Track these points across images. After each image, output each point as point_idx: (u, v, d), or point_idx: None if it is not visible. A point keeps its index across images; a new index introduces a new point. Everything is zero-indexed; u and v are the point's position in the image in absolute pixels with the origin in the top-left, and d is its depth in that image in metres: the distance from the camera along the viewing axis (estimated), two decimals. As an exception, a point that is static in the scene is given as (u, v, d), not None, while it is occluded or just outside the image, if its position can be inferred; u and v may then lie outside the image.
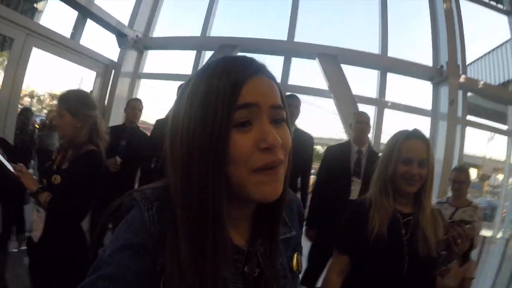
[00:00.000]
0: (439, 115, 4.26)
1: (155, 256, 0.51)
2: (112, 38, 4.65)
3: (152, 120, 3.11)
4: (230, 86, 0.51)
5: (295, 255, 0.69)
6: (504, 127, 4.68)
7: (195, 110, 0.52)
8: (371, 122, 2.82)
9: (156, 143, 2.83)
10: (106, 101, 4.62)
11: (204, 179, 0.51)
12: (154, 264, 0.51)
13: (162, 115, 3.16)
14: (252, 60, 0.57)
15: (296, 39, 4.51)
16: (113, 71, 4.67)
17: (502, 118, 4.66)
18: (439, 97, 4.33)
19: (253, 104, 0.52)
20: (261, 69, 0.56)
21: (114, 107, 4.60)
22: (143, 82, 5.10)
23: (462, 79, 4.24)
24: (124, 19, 4.71)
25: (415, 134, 1.38)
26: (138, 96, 4.90)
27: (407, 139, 1.36)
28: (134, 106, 3.17)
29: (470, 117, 4.42)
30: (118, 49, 4.72)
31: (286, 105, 0.59)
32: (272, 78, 0.57)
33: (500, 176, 5.08)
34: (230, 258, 0.56)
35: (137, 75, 4.95)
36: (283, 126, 0.56)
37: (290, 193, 0.72)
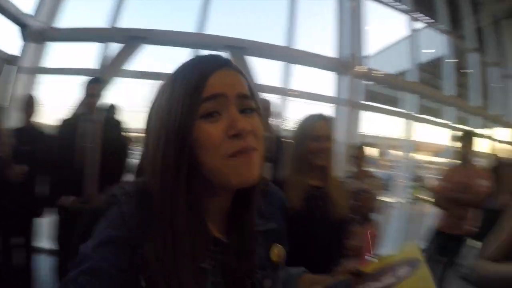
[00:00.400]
0: (341, 102, 4.63)
1: (134, 249, 0.50)
2: (12, 29, 4.23)
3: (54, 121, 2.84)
4: (195, 79, 0.54)
5: (274, 247, 0.68)
6: (398, 110, 5.26)
7: (164, 104, 0.55)
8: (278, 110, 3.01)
9: (64, 146, 2.62)
10: (5, 101, 4.21)
11: (174, 170, 0.52)
12: (134, 257, 0.50)
13: (67, 114, 2.91)
14: (217, 56, 0.59)
15: (206, 32, 4.54)
16: (13, 66, 4.27)
17: (396, 102, 5.24)
18: (342, 85, 4.71)
19: (219, 94, 0.54)
20: (226, 62, 0.58)
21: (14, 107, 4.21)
22: (47, 77, 4.68)
23: (362, 69, 4.66)
24: (26, 9, 4.27)
25: (322, 117, 1.59)
26: (40, 93, 4.52)
27: (315, 120, 1.57)
28: (29, 104, 2.91)
29: (369, 103, 4.90)
30: (19, 42, 4.29)
31: (256, 96, 0.60)
32: (238, 70, 0.59)
33: (395, 152, 5.69)
34: (209, 249, 0.57)
35: (40, 70, 4.58)
36: (253, 115, 0.57)
37: (271, 186, 0.77)
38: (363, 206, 1.71)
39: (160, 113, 0.56)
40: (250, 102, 0.57)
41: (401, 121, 5.23)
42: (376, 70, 4.99)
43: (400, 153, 5.50)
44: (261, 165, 0.58)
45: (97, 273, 0.48)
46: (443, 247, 2.98)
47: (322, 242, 1.49)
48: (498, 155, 5.33)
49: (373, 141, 5.93)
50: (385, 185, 5.60)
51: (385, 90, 5.31)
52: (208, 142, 0.53)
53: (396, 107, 5.18)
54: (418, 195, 5.35)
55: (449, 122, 6.05)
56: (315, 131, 1.52)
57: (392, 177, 6.00)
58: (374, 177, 3.01)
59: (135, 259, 0.50)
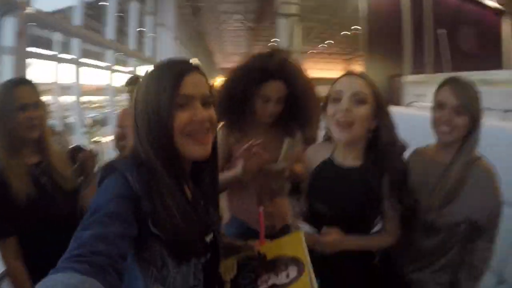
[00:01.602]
0: (7, 50, 3.94)
1: (136, 203, 0.68)
2: None
3: None
4: (173, 79, 0.74)
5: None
6: (69, 56, 5.06)
7: (150, 96, 0.74)
8: None
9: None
10: None
11: (161, 144, 0.74)
12: (139, 211, 0.68)
13: None
14: (188, 61, 0.82)
15: None
16: None
17: (62, 47, 5.00)
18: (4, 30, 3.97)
19: (189, 95, 0.75)
20: (196, 67, 0.80)
21: None
22: None
23: (29, 10, 4.04)
24: None
25: (21, 81, 1.40)
26: None
27: (14, 87, 1.32)
28: None
29: (35, 49, 4.42)
30: None
31: (213, 93, 0.83)
32: (203, 74, 0.81)
33: (65, 97, 5.47)
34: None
35: None
36: (210, 107, 0.80)
37: None
38: (88, 165, 1.69)
39: (148, 102, 0.74)
40: (209, 99, 0.80)
41: (68, 65, 5.09)
42: (41, 11, 4.51)
43: (70, 98, 5.38)
44: (214, 143, 0.84)
45: (115, 216, 0.63)
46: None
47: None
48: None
49: (46, 89, 5.43)
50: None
51: (49, 34, 4.91)
52: (178, 125, 0.74)
53: (62, 51, 4.94)
54: (95, 139, 5.37)
55: (110, 65, 6.44)
56: (19, 100, 1.29)
57: (69, 123, 5.82)
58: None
59: (140, 213, 0.68)
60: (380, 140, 1.08)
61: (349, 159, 1.16)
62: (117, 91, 6.76)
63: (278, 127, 1.53)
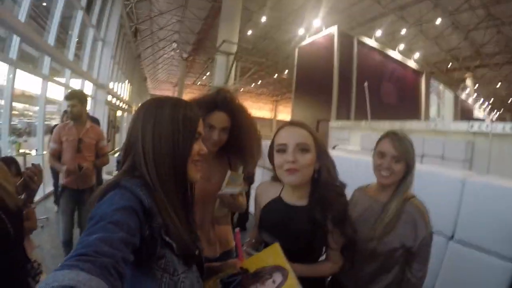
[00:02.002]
0: None
1: (148, 218, 0.77)
2: None
3: None
4: (197, 120, 0.91)
5: None
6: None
7: (172, 128, 0.86)
8: None
9: None
10: None
11: (178, 174, 0.87)
12: (149, 223, 0.77)
13: None
14: (195, 107, 0.95)
15: None
16: None
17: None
18: None
19: (200, 132, 0.92)
20: (201, 115, 0.96)
21: None
22: None
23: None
24: None
25: None
26: None
27: None
28: None
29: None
30: None
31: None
32: (202, 120, 0.98)
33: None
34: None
35: None
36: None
37: None
38: (37, 178, 1.53)
39: (168, 134, 0.86)
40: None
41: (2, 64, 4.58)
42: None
43: None
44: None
45: (120, 224, 0.67)
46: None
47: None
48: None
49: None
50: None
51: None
52: (193, 154, 0.89)
53: None
54: (23, 151, 4.76)
55: (45, 73, 5.95)
56: None
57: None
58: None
59: (152, 225, 0.78)
60: (322, 181, 1.24)
61: (296, 198, 1.30)
62: (48, 101, 6.28)
63: (222, 159, 1.69)
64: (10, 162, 2.40)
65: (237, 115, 1.61)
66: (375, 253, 1.48)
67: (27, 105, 7.39)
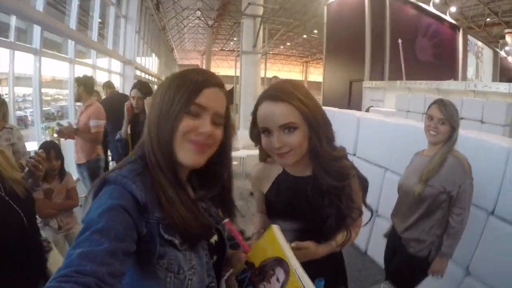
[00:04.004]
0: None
1: (143, 215, 0.69)
2: None
3: None
4: (194, 86, 0.76)
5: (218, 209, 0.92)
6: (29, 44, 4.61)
7: (167, 98, 0.76)
8: None
9: None
10: None
11: (163, 143, 0.75)
12: (145, 221, 0.69)
13: None
14: (214, 75, 0.83)
15: None
16: None
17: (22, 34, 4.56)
18: None
19: (203, 106, 0.76)
20: (219, 84, 0.81)
21: None
22: None
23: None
24: None
25: None
26: None
27: None
28: None
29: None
30: None
31: (229, 114, 0.86)
32: (225, 94, 0.82)
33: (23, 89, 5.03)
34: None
35: None
36: (219, 127, 0.80)
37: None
38: (41, 165, 1.58)
39: (163, 104, 0.76)
40: (221, 118, 0.80)
41: (27, 55, 4.62)
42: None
43: (29, 89, 4.89)
44: (211, 156, 0.81)
45: (106, 232, 0.60)
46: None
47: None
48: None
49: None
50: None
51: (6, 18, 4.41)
52: (182, 128, 0.74)
53: (17, 38, 4.45)
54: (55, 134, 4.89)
55: (71, 57, 5.98)
56: None
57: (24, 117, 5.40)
58: (11, 128, 2.63)
59: (148, 222, 0.69)
60: (315, 151, 1.06)
61: (300, 170, 1.17)
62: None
63: None
64: (50, 147, 2.63)
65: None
66: (420, 197, 1.84)
67: (58, 90, 7.48)
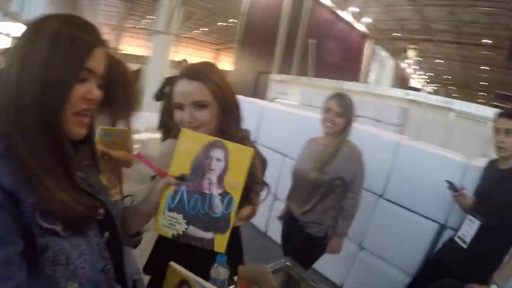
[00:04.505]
0: None
1: (15, 202, 0.58)
2: None
3: None
4: (85, 48, 0.66)
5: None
6: None
7: (48, 61, 0.62)
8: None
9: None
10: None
11: (48, 128, 0.63)
12: (19, 208, 0.58)
13: None
14: (97, 29, 0.70)
15: None
16: None
17: None
18: None
19: (92, 70, 0.68)
20: (103, 42, 0.72)
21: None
22: None
23: None
24: None
25: None
26: None
27: None
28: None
29: None
30: None
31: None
32: (107, 51, 0.74)
33: None
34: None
35: None
36: (101, 89, 0.73)
37: None
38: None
39: (35, 61, 0.61)
40: (103, 80, 0.73)
41: None
42: None
43: None
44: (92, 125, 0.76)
45: None
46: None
47: None
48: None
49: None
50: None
51: None
52: (73, 99, 0.65)
53: None
54: None
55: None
56: None
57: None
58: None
59: (23, 210, 0.59)
60: (224, 129, 1.13)
61: None
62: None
63: (105, 114, 1.67)
64: None
65: (109, 66, 1.41)
66: (316, 182, 1.92)
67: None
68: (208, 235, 0.90)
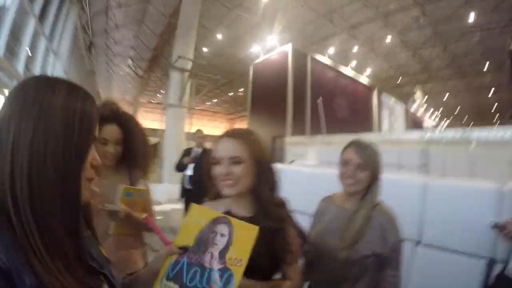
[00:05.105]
0: None
1: (12, 282, 0.50)
2: None
3: None
4: (95, 120, 0.66)
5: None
6: None
7: (53, 128, 0.58)
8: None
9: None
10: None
11: (68, 198, 0.60)
12: None
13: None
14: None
15: None
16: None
17: None
18: None
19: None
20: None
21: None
22: None
23: None
24: None
25: None
26: None
27: None
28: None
29: None
30: None
31: None
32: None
33: None
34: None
35: None
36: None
37: None
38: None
39: (53, 131, 0.59)
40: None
41: None
42: None
43: None
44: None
45: None
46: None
47: None
48: None
49: None
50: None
51: None
52: (87, 166, 0.65)
53: None
54: None
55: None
56: None
57: None
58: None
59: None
60: (259, 191, 1.19)
61: (241, 209, 1.22)
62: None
63: (123, 175, 1.68)
64: None
65: (127, 125, 1.63)
66: (346, 263, 1.47)
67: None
68: None
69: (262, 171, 1.18)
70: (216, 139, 1.21)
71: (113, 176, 1.62)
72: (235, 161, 1.14)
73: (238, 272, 0.87)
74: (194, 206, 1.00)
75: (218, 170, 1.16)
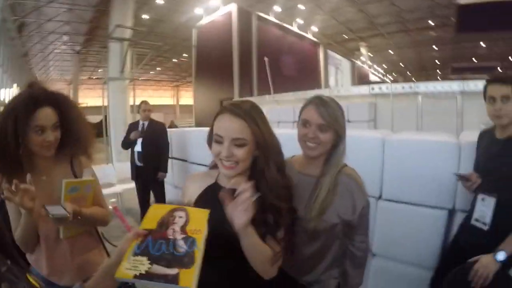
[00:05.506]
0: None
1: None
2: None
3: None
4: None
5: None
6: None
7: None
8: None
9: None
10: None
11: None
12: None
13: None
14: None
15: None
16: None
17: None
18: None
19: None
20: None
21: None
22: None
23: None
24: None
25: None
26: None
27: None
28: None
29: None
30: None
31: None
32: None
33: None
34: None
35: None
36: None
37: None
38: None
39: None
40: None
41: None
42: None
43: None
44: None
45: None
46: None
47: None
48: None
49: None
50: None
51: None
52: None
53: None
54: None
55: None
56: None
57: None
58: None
59: None
60: (258, 169, 1.15)
61: (234, 183, 1.13)
62: None
63: (64, 161, 1.52)
64: None
65: (63, 106, 1.45)
66: (314, 233, 1.36)
67: None
68: (172, 271, 0.88)
69: (266, 151, 1.12)
70: (220, 111, 1.13)
71: (53, 170, 1.47)
72: (239, 143, 1.08)
73: (199, 237, 0.94)
74: (153, 206, 1.05)
75: (217, 149, 1.10)
